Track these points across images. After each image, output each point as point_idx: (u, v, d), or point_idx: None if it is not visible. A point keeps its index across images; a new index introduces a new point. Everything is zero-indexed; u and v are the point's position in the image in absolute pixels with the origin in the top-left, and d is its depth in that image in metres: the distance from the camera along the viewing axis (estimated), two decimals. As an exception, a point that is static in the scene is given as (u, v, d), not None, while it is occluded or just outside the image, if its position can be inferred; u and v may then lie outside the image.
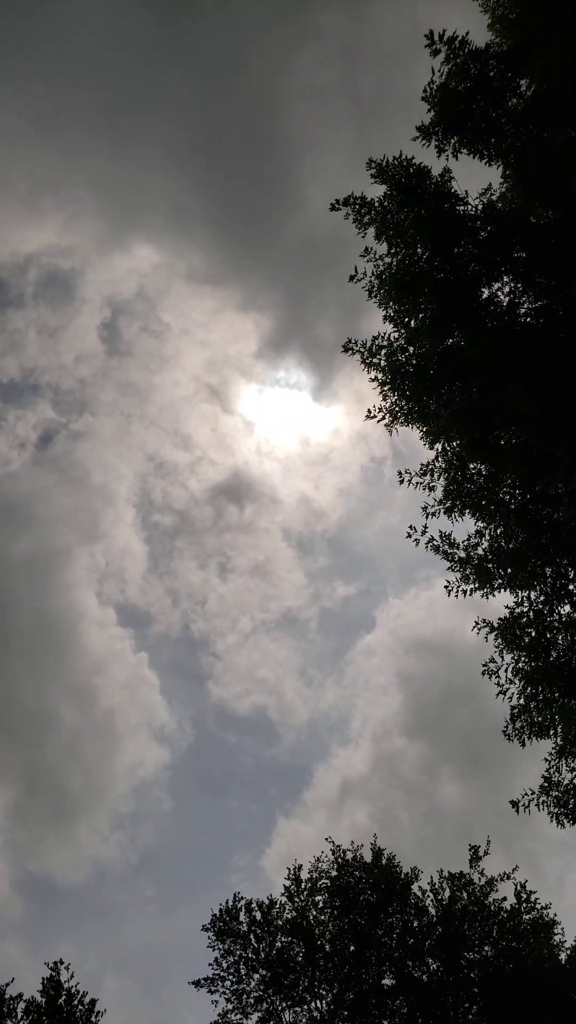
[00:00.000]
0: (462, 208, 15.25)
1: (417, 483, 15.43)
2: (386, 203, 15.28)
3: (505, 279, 15.07)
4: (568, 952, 27.42)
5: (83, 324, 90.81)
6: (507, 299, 15.32)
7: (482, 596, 14.92)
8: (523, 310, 15.39)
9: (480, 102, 15.35)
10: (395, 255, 15.40)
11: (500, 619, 15.32)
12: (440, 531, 15.26)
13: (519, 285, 15.37)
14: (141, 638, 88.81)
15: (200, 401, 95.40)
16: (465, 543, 15.07)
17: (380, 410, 15.74)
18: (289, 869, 28.75)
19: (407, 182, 14.94)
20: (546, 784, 15.59)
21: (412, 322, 15.35)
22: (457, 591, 14.99)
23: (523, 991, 25.39)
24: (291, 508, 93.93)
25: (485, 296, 15.19)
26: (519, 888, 28.25)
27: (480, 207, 15.30)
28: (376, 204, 15.36)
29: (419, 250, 15.13)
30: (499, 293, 15.40)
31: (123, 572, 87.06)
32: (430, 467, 15.39)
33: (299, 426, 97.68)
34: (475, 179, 16.16)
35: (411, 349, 15.63)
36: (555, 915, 27.84)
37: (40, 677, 74.21)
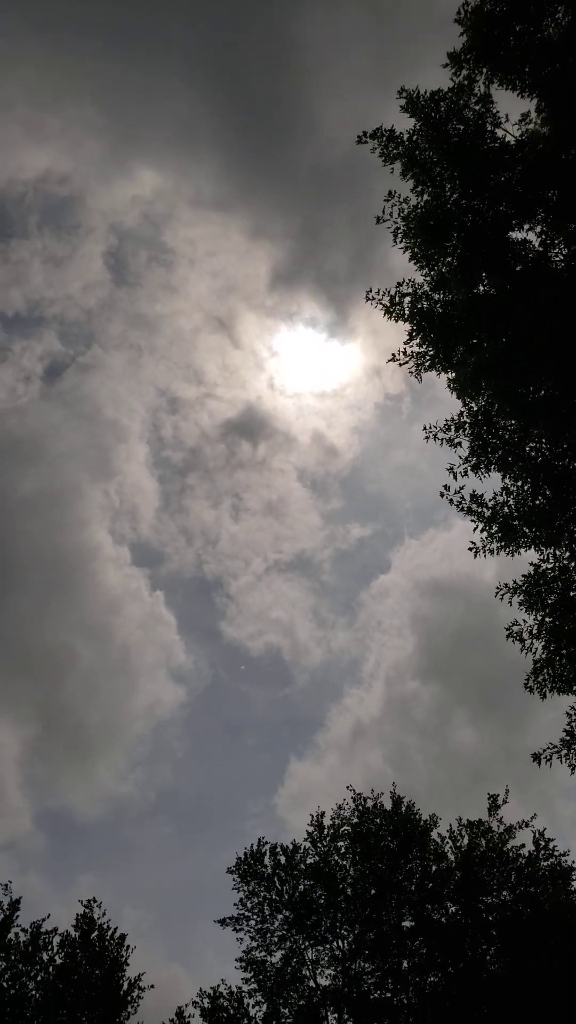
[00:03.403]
0: (498, 134, 14.45)
1: (442, 439, 15.03)
2: (415, 138, 14.53)
3: (538, 217, 14.34)
4: (586, 898, 27.94)
5: (88, 252, 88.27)
6: (539, 240, 14.62)
7: (507, 554, 14.67)
8: (554, 254, 14.69)
9: (515, 27, 14.39)
10: (421, 194, 14.71)
11: (524, 576, 15.08)
12: (473, 491, 14.89)
13: (550, 228, 14.65)
14: (156, 577, 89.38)
15: (208, 333, 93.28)
16: (492, 501, 14.73)
17: (405, 354, 15.22)
18: (312, 816, 29.49)
19: (438, 116, 14.16)
20: (568, 738, 15.56)
21: (439, 265, 14.74)
22: (484, 551, 14.73)
23: (540, 935, 25.99)
24: (305, 446, 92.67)
25: (516, 240, 14.50)
26: (537, 835, 28.70)
27: (515, 140, 14.50)
28: (404, 139, 14.60)
29: (447, 189, 14.44)
30: (530, 236, 14.70)
31: (136, 510, 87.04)
32: (456, 422, 14.96)
33: (312, 361, 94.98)
34: (508, 114, 15.26)
35: (437, 296, 15.04)
36: (573, 862, 28.32)
37: (56, 615, 75.20)
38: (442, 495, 14.84)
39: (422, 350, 14.87)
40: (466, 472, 14.84)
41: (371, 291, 15.19)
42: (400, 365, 15.11)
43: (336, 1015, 26.73)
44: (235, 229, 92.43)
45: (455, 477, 14.90)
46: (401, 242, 14.95)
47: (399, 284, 15.16)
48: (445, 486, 14.79)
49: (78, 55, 78.77)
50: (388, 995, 26.91)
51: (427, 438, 15.19)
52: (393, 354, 15.12)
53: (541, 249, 14.51)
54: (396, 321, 15.17)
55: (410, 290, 15.10)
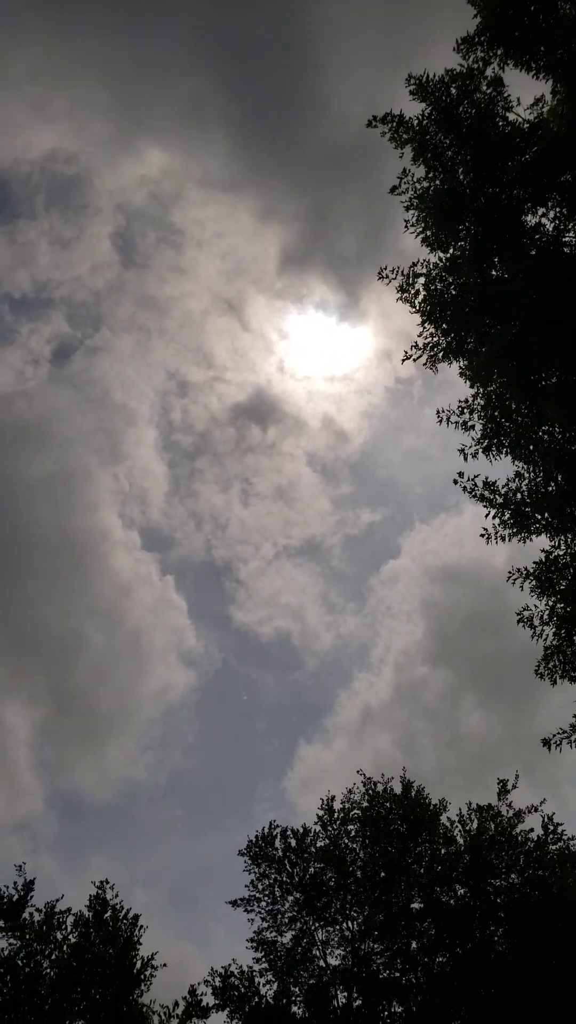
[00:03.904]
0: (511, 118, 14.27)
1: (455, 422, 15.00)
2: (425, 123, 14.39)
3: (552, 202, 14.21)
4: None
5: (96, 233, 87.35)
6: (552, 224, 14.49)
7: (519, 541, 14.67)
8: (568, 238, 14.57)
9: (530, 7, 14.19)
10: (433, 179, 14.59)
11: (535, 562, 15.09)
12: (486, 478, 14.88)
13: (564, 211, 14.51)
14: (165, 562, 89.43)
15: (218, 316, 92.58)
16: (504, 488, 14.72)
17: (416, 347, 15.20)
18: (322, 799, 29.72)
19: (449, 100, 14.02)
20: (578, 723, 15.63)
21: (452, 249, 14.66)
22: (496, 537, 14.74)
23: (548, 917, 26.22)
24: (315, 431, 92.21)
25: (530, 224, 14.39)
26: (546, 820, 28.84)
27: (528, 124, 14.34)
28: (415, 124, 14.47)
29: (459, 173, 14.31)
30: (544, 220, 14.57)
31: (145, 494, 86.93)
32: (469, 405, 14.93)
33: (322, 344, 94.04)
34: (521, 96, 15.06)
35: (450, 279, 14.94)
36: (582, 845, 28.42)
37: (66, 599, 75.39)
38: (455, 482, 14.84)
39: (434, 340, 14.83)
40: (476, 454, 14.82)
41: (384, 269, 15.11)
42: (414, 360, 15.10)
43: (346, 994, 27.13)
44: (244, 210, 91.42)
45: (466, 458, 14.88)
46: (413, 227, 14.86)
47: (413, 264, 15.07)
48: (460, 473, 14.79)
49: (84, 33, 77.62)
50: (397, 975, 27.25)
51: (440, 421, 15.17)
52: (406, 351, 15.13)
53: (555, 233, 14.39)
54: (408, 306, 15.11)
55: (424, 271, 14.99)
